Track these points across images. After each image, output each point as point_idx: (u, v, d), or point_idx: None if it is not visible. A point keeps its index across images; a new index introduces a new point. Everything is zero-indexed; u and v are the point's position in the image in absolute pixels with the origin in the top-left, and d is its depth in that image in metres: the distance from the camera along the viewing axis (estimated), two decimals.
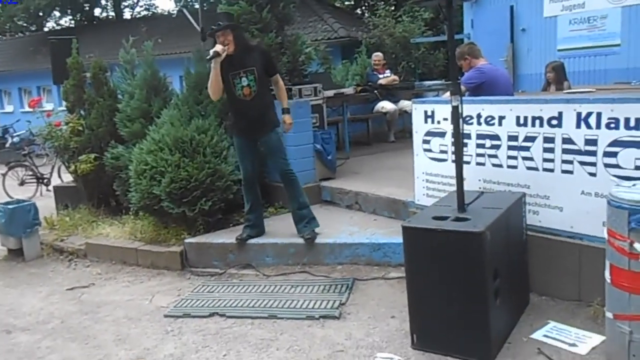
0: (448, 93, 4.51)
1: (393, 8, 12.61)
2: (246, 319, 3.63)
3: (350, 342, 3.20)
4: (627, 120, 3.03)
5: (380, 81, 8.02)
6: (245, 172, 4.54)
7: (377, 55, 8.66)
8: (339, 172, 6.04)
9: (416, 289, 3.03)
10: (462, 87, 4.42)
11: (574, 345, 2.96)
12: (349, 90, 7.03)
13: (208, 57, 4.26)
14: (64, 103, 6.45)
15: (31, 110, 7.52)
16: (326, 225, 4.73)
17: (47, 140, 6.21)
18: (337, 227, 4.72)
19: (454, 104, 2.98)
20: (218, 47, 4.19)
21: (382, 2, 13.33)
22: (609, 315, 2.73)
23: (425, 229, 2.94)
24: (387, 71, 8.53)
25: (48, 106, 13.76)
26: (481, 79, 4.39)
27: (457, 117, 2.99)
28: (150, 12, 25.71)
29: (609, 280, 2.69)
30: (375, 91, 7.36)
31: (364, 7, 17.01)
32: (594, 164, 3.20)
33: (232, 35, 4.22)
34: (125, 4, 25.57)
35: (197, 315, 3.76)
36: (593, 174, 3.21)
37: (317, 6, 14.02)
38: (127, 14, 25.56)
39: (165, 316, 3.81)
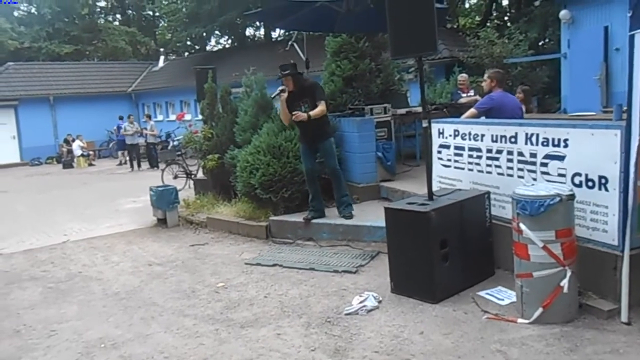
0: (467, 113, 5.74)
1: (495, 31, 13.43)
2: (294, 269, 5.30)
3: (354, 286, 4.70)
4: (553, 139, 4.11)
5: (460, 100, 9.15)
6: (306, 168, 6.20)
7: (462, 76, 9.77)
8: (402, 176, 7.42)
9: (393, 251, 4.44)
10: (475, 111, 5.64)
11: (501, 300, 4.12)
12: (419, 109, 8.34)
13: (272, 96, 6.09)
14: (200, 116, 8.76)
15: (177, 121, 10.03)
16: (373, 213, 6.19)
17: (188, 144, 8.55)
18: (379, 215, 6.13)
19: (424, 125, 4.33)
20: (280, 88, 5.95)
21: (485, 26, 14.12)
22: (515, 276, 3.88)
23: (396, 209, 4.35)
24: (472, 91, 9.60)
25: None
26: (490, 105, 5.52)
27: (426, 134, 4.34)
28: (294, 34, 28.72)
29: (513, 251, 3.85)
30: (445, 109, 8.54)
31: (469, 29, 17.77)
32: (535, 171, 4.31)
33: (291, 78, 5.97)
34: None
35: (265, 264, 5.53)
36: (535, 179, 4.31)
37: None
38: (274, 34, 28.97)
39: (245, 264, 5.63)
